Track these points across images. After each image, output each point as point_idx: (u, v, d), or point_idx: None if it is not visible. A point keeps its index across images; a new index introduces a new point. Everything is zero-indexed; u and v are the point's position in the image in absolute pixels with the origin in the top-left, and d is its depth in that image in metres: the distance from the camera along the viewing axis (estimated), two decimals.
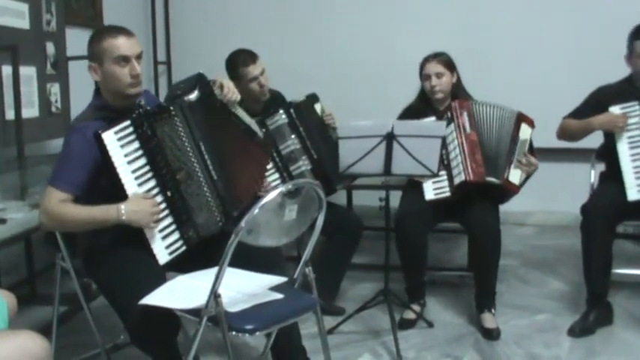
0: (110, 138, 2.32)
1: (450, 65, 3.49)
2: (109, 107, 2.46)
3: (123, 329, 3.02)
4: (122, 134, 2.35)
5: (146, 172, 2.40)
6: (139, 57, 2.46)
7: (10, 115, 3.63)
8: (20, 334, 1.77)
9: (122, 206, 2.31)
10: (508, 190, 3.38)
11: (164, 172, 2.43)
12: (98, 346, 2.75)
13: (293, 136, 3.44)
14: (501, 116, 3.38)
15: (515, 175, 3.34)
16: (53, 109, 4.03)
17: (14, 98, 3.60)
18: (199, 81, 2.59)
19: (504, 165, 3.32)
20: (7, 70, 3.59)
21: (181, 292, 2.20)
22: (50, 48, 4.01)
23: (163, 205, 2.41)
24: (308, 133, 3.45)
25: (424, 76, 3.50)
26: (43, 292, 3.75)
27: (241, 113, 2.72)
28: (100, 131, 2.31)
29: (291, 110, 3.44)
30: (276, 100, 3.64)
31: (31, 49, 3.83)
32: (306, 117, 3.49)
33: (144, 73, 3.64)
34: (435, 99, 3.50)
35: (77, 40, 4.44)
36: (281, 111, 3.44)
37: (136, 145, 2.38)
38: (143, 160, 2.39)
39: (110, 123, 2.35)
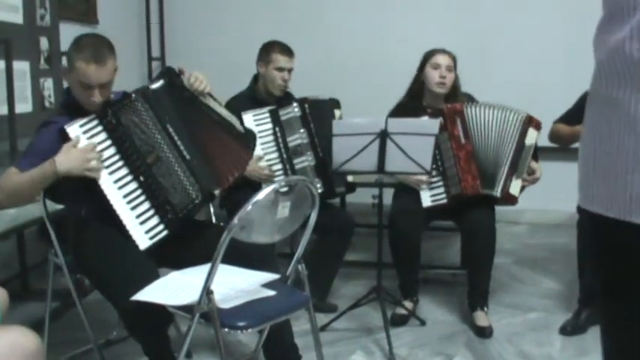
0: (76, 132, 2.38)
1: (455, 64, 3.46)
2: (77, 103, 2.49)
3: (115, 325, 3.03)
4: (88, 127, 2.41)
5: (117, 161, 2.44)
6: (106, 84, 2.44)
7: (3, 110, 3.61)
8: (12, 330, 1.77)
9: (55, 159, 2.31)
10: (506, 202, 3.37)
11: (134, 157, 2.47)
12: (90, 342, 2.74)
13: (302, 130, 3.46)
14: (503, 119, 3.29)
15: (516, 186, 3.31)
16: (46, 104, 4.01)
17: (7, 93, 3.59)
18: (166, 72, 2.65)
19: (504, 177, 3.29)
20: (0, 64, 3.58)
21: (174, 289, 2.20)
22: (44, 43, 4.00)
23: (139, 192, 2.46)
24: (318, 131, 3.46)
25: (433, 65, 3.41)
26: (36, 288, 3.74)
27: (215, 105, 2.68)
28: (65, 126, 2.36)
29: (306, 105, 3.47)
30: (289, 99, 3.62)
31: (25, 43, 3.82)
32: (321, 116, 3.48)
33: (138, 69, 3.66)
34: (436, 92, 3.42)
35: (71, 34, 4.38)
36: (295, 104, 3.47)
37: (103, 135, 2.43)
38: (112, 150, 2.44)
39: (76, 117, 2.40)
